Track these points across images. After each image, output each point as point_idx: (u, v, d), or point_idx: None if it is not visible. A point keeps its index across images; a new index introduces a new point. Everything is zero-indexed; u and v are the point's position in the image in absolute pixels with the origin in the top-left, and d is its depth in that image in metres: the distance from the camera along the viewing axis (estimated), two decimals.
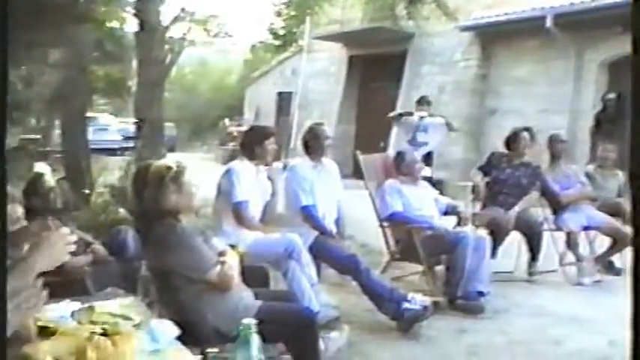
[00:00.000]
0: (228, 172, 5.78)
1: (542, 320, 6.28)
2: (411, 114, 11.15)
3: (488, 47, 16.24)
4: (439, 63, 17.13)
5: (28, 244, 2.54)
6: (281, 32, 35.34)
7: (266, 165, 5.91)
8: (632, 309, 1.08)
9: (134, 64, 15.24)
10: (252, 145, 5.88)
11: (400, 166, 7.31)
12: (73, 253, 5.16)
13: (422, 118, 10.63)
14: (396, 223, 6.96)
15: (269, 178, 5.97)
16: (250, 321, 2.55)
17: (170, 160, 4.31)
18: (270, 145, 5.89)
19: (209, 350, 2.16)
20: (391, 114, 11.91)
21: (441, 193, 7.75)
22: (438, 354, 5.39)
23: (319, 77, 21.44)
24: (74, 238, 2.45)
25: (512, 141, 7.94)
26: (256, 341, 2.52)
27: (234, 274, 4.00)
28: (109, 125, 29.67)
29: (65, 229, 2.48)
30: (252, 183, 5.74)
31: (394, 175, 7.31)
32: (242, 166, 5.78)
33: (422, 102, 11.09)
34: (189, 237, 3.95)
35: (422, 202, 7.09)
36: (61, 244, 2.44)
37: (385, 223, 7.17)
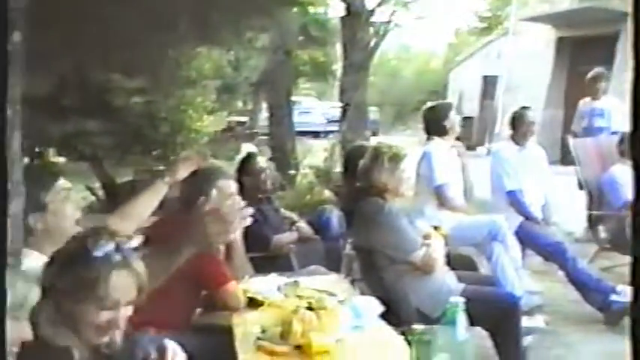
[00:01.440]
0: (424, 155, 5.72)
1: None
2: None
3: None
4: None
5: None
6: (486, 14, 34.85)
7: (454, 140, 5.79)
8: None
9: (338, 47, 15.46)
10: (436, 121, 5.81)
11: (622, 149, 6.81)
12: (277, 230, 5.36)
13: (595, 100, 9.13)
14: (604, 210, 6.58)
15: (459, 155, 5.83)
16: (458, 299, 2.50)
17: (395, 142, 4.38)
18: (455, 120, 5.78)
19: (414, 326, 2.12)
20: None
21: None
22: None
23: (525, 60, 20.79)
24: (249, 210, 2.10)
25: None
26: (463, 320, 2.48)
27: (439, 257, 3.97)
28: (313, 108, 30.23)
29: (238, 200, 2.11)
30: (450, 163, 5.66)
31: (613, 161, 6.88)
32: (437, 148, 5.70)
33: (596, 79, 8.99)
34: (396, 217, 3.97)
35: None
36: (233, 216, 2.08)
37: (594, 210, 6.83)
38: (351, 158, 4.96)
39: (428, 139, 5.87)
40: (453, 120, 5.78)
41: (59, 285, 1.92)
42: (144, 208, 3.38)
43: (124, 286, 1.94)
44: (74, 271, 1.92)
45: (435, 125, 5.82)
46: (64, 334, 1.91)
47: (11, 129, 2.52)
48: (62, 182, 2.76)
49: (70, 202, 2.76)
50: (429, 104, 6.10)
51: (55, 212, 2.67)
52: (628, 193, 6.43)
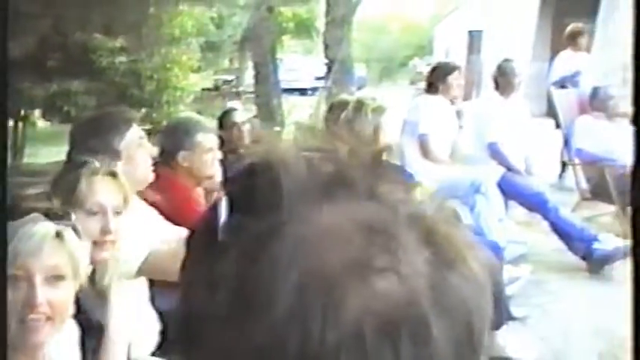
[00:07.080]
0: (414, 106, 5.81)
1: None
2: None
3: None
4: None
5: None
6: None
7: (453, 100, 5.82)
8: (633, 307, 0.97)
9: (322, 3, 15.38)
10: (436, 81, 5.83)
11: (593, 102, 6.92)
12: None
13: (574, 52, 8.92)
14: (584, 160, 6.65)
15: (457, 115, 5.88)
16: None
17: (374, 96, 4.40)
18: (455, 80, 5.80)
19: None
20: None
21: None
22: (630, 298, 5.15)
23: (511, 13, 20.73)
24: None
25: None
26: None
27: None
28: (300, 66, 30.08)
29: None
30: (439, 118, 5.68)
31: (587, 112, 6.97)
32: (428, 101, 5.74)
33: (575, 34, 8.69)
34: None
35: (615, 139, 6.70)
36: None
37: (576, 161, 6.89)
38: (333, 111, 4.98)
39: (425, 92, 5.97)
40: (449, 83, 5.80)
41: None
42: None
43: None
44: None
45: (431, 84, 5.87)
46: None
47: None
48: (136, 129, 2.78)
49: (143, 149, 2.78)
50: (436, 63, 6.11)
51: (129, 159, 2.69)
52: (581, 143, 6.54)
